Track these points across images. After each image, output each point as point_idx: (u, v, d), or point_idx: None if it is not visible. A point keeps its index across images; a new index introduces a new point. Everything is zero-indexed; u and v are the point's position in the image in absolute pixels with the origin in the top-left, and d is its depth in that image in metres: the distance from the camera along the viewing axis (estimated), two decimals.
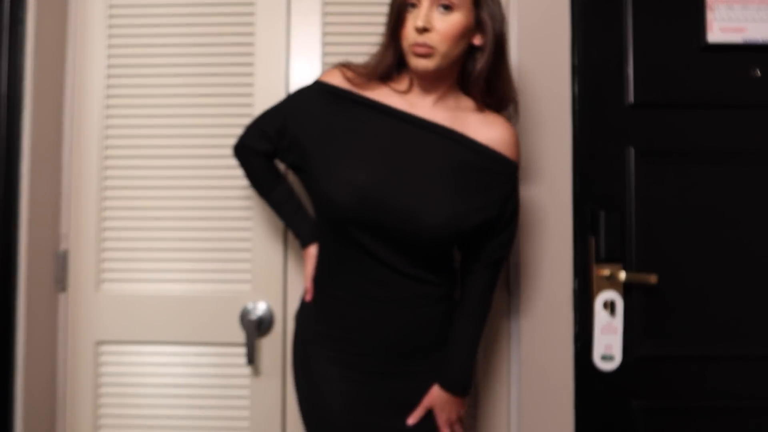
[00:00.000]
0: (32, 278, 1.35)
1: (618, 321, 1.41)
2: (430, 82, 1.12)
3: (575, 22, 1.45)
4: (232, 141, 1.44)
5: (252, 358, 1.38)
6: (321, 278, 1.18)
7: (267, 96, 1.45)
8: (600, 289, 1.42)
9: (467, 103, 1.15)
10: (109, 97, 1.47)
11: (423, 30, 1.05)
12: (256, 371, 1.44)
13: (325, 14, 1.46)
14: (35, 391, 1.37)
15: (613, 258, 1.42)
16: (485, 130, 1.12)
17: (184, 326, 1.44)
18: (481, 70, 1.10)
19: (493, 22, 1.09)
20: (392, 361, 1.11)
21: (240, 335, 1.43)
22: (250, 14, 1.47)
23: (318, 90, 1.15)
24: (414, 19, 1.06)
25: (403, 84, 1.15)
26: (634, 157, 1.45)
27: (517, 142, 1.14)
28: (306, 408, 1.16)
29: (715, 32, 1.44)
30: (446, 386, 1.12)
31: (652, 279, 1.40)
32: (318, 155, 1.11)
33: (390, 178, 1.06)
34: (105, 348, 1.46)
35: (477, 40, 1.10)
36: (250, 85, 1.46)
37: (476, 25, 1.09)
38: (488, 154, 1.11)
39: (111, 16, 1.48)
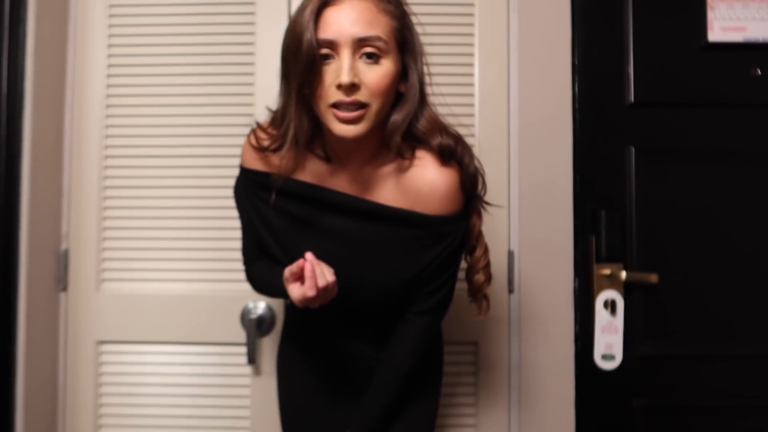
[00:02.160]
0: (33, 278, 1.35)
1: (618, 320, 1.41)
2: (353, 146, 0.95)
3: (576, 22, 1.45)
4: (233, 141, 1.44)
5: (253, 358, 1.38)
6: (292, 317, 1.20)
7: (268, 96, 1.44)
8: (600, 288, 1.42)
9: (390, 157, 0.98)
10: (109, 96, 1.47)
11: (351, 87, 0.86)
12: (256, 370, 1.44)
13: None
14: (36, 391, 1.37)
15: (613, 257, 1.42)
16: (407, 189, 0.97)
17: (185, 326, 1.44)
18: (401, 120, 0.93)
19: (417, 65, 0.94)
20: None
21: (241, 334, 1.43)
22: (251, 14, 1.47)
23: (245, 178, 1.04)
24: (332, 74, 0.87)
25: (320, 150, 0.99)
26: (635, 157, 1.45)
27: (447, 190, 0.97)
28: (283, 402, 1.19)
29: (715, 31, 1.44)
30: None
31: (653, 278, 1.40)
32: (263, 241, 1.05)
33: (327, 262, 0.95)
34: (105, 347, 1.46)
35: (401, 88, 0.94)
36: (250, 84, 1.45)
37: (402, 71, 0.93)
38: (411, 220, 0.97)
39: (111, 16, 1.48)
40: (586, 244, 1.44)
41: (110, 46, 1.48)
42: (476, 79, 1.46)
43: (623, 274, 1.41)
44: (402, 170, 0.98)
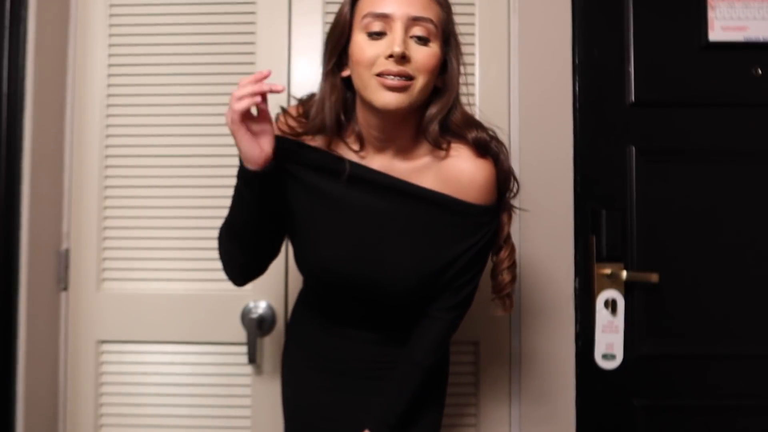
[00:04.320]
0: (33, 277, 1.35)
1: (619, 320, 1.41)
2: (390, 129, 0.97)
3: (576, 21, 1.45)
4: (233, 140, 1.44)
5: (253, 357, 1.38)
6: (302, 304, 1.20)
7: (268, 95, 1.44)
8: (601, 287, 1.42)
9: (426, 149, 1.00)
10: (109, 96, 1.47)
11: (401, 58, 0.89)
12: (257, 370, 1.44)
13: (326, 14, 1.46)
14: (36, 390, 1.37)
15: (614, 257, 1.42)
16: (446, 179, 0.99)
17: (186, 325, 1.44)
18: (438, 110, 0.96)
19: (457, 60, 0.97)
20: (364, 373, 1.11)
21: (241, 334, 1.43)
22: (252, 13, 1.47)
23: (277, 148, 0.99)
24: (382, 47, 0.90)
25: (352, 139, 0.99)
26: (635, 156, 1.45)
27: (485, 180, 0.99)
28: (286, 406, 1.19)
29: (716, 31, 1.44)
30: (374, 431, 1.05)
31: (653, 278, 1.40)
32: (290, 225, 1.04)
33: (354, 250, 0.98)
34: (106, 347, 1.46)
35: (438, 82, 0.97)
36: None
37: (442, 65, 0.96)
38: (450, 205, 0.99)
39: (112, 15, 1.48)
40: (587, 244, 1.44)
41: (111, 45, 1.48)
42: (477, 79, 1.45)
43: (624, 274, 1.41)
44: (438, 162, 0.99)
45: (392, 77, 0.90)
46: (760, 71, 1.45)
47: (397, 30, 0.90)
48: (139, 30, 1.48)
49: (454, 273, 1.01)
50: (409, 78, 0.91)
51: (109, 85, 1.47)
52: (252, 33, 1.46)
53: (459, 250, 1.00)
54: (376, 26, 0.91)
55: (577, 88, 1.45)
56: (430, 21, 0.92)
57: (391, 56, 0.89)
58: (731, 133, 1.45)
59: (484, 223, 1.01)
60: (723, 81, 1.45)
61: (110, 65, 1.48)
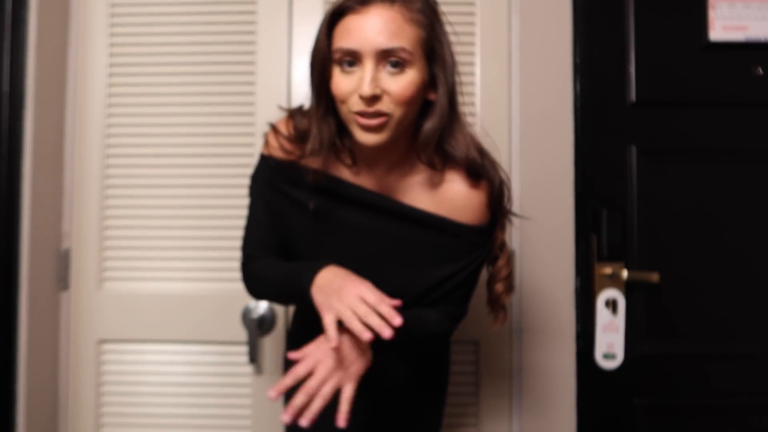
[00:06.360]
0: (34, 277, 1.35)
1: (620, 319, 1.41)
2: (378, 152, 0.96)
3: (577, 21, 1.45)
4: (234, 140, 1.45)
5: (253, 357, 1.39)
6: (300, 310, 1.19)
7: (269, 95, 1.45)
8: (602, 287, 1.42)
9: (417, 166, 0.98)
10: (110, 95, 1.47)
11: (372, 98, 0.86)
12: (257, 370, 1.44)
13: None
14: (37, 390, 1.37)
15: (614, 256, 1.42)
16: (441, 200, 0.97)
17: (186, 325, 1.44)
18: (433, 130, 0.92)
19: (446, 76, 0.92)
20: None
21: (242, 334, 1.43)
22: (252, 13, 1.47)
23: (269, 168, 1.02)
24: (355, 83, 0.87)
25: (345, 155, 0.98)
26: (636, 156, 1.45)
27: (480, 204, 0.98)
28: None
29: (716, 30, 1.44)
30: None
31: (654, 277, 1.40)
32: (288, 242, 1.03)
33: (348, 267, 0.94)
34: (107, 346, 1.46)
35: (431, 96, 0.93)
36: (251, 83, 1.46)
37: (430, 81, 0.92)
38: (444, 226, 0.98)
39: (113, 15, 1.48)
40: (588, 244, 1.44)
41: (112, 45, 1.48)
42: (477, 79, 1.46)
43: (624, 273, 1.41)
44: (433, 183, 0.98)
45: (367, 116, 0.87)
46: (760, 71, 1.45)
47: (367, 68, 0.86)
48: (140, 29, 1.48)
49: (447, 290, 1.01)
50: (386, 113, 0.88)
51: (110, 85, 1.47)
52: (252, 33, 1.47)
53: (453, 270, 0.99)
54: (348, 59, 0.88)
55: (577, 88, 1.45)
56: (402, 50, 0.86)
57: (362, 96, 0.86)
58: (731, 133, 1.45)
59: (478, 243, 1.00)
60: (723, 81, 1.45)
61: (111, 65, 1.48)
